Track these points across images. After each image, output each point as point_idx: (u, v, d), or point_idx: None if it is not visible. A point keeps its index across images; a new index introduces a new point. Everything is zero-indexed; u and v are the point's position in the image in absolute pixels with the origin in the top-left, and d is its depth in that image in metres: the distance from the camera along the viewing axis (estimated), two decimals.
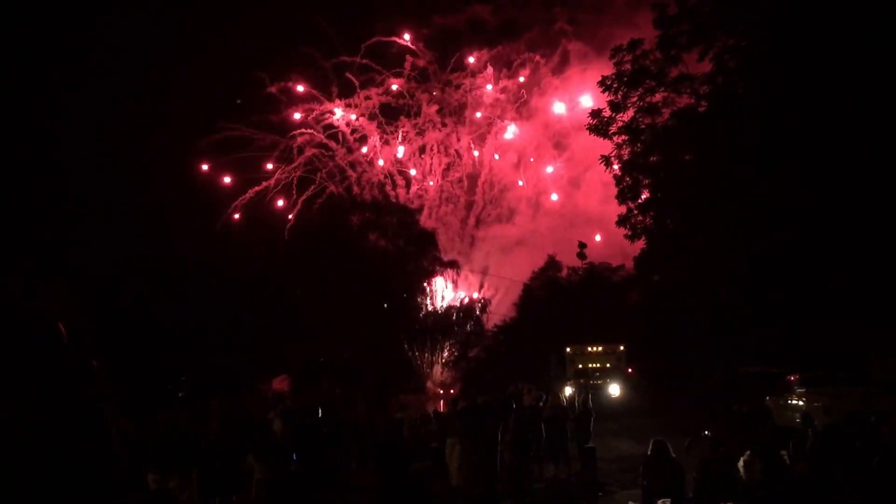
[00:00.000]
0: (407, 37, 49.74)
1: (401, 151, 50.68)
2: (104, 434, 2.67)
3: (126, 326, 25.61)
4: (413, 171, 50.63)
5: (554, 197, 49.92)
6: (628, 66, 21.55)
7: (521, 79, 51.12)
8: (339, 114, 49.42)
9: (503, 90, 51.16)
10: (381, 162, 50.08)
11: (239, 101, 46.68)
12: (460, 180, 50.65)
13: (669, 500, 9.12)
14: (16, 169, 30.09)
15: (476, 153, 50.94)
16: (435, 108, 50.67)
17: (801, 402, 15.15)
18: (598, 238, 40.15)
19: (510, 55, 51.25)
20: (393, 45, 49.88)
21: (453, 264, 43.26)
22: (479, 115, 51.13)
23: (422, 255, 41.62)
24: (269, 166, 48.50)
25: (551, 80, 50.60)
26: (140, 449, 8.75)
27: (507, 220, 50.59)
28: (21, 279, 2.75)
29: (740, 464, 9.95)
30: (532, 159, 51.58)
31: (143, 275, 30.29)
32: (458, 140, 50.78)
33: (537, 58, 50.53)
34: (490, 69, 50.93)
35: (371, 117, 50.11)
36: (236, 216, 46.88)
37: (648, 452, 9.42)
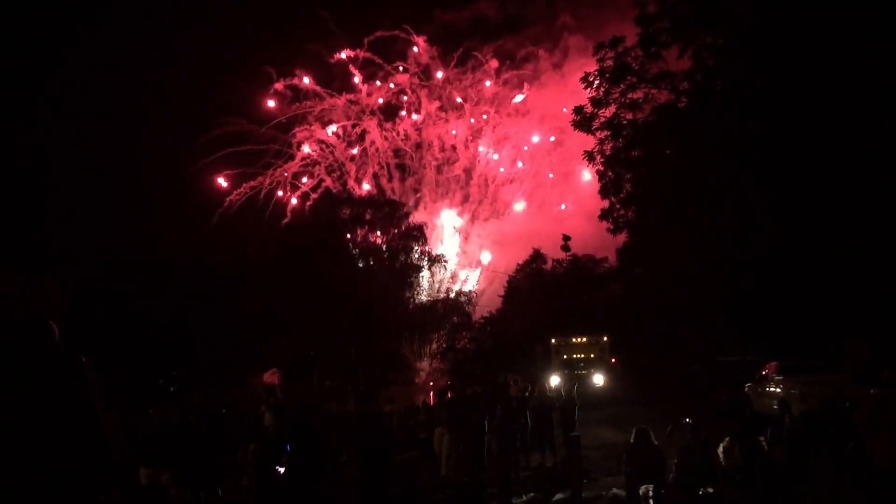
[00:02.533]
0: (410, 31, 49.60)
1: (399, 145, 50.60)
2: (96, 429, 2.71)
3: (117, 321, 25.48)
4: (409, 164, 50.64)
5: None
6: (610, 63, 21.82)
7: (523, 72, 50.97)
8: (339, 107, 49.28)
9: (505, 82, 51.15)
10: (378, 156, 50.05)
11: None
12: (458, 178, 50.74)
13: (651, 485, 9.39)
14: (6, 165, 29.68)
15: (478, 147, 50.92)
16: (436, 104, 50.57)
17: (778, 390, 15.48)
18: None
19: (512, 50, 51.17)
20: (396, 40, 49.74)
21: (439, 259, 43.45)
22: (478, 108, 51.05)
23: (410, 249, 41.75)
24: (267, 161, 48.44)
25: (552, 75, 50.58)
26: (132, 443, 8.83)
27: (501, 214, 50.90)
28: (12, 277, 2.76)
29: (720, 450, 10.25)
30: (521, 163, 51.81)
31: (134, 269, 30.06)
32: (456, 136, 50.78)
33: (540, 52, 50.49)
34: (492, 63, 50.77)
35: (371, 112, 50.02)
36: (231, 211, 46.76)
37: (631, 440, 9.64)
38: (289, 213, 47.40)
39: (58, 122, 35.53)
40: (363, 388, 26.02)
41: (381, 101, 50.11)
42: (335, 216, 41.60)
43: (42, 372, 2.57)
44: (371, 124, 49.92)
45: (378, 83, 49.91)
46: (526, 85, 51.14)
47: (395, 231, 41.58)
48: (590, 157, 22.82)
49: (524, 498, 10.60)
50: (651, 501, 9.30)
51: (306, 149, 49.30)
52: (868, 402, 7.40)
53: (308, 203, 47.32)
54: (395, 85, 50.12)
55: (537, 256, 40.72)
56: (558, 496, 10.52)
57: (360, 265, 39.80)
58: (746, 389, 17.23)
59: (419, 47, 49.97)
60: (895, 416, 6.81)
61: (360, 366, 32.22)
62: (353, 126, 50.00)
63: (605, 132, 22.32)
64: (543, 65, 50.79)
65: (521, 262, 41.56)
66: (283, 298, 33.96)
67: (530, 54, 51.00)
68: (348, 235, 40.94)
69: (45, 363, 2.59)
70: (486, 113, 51.24)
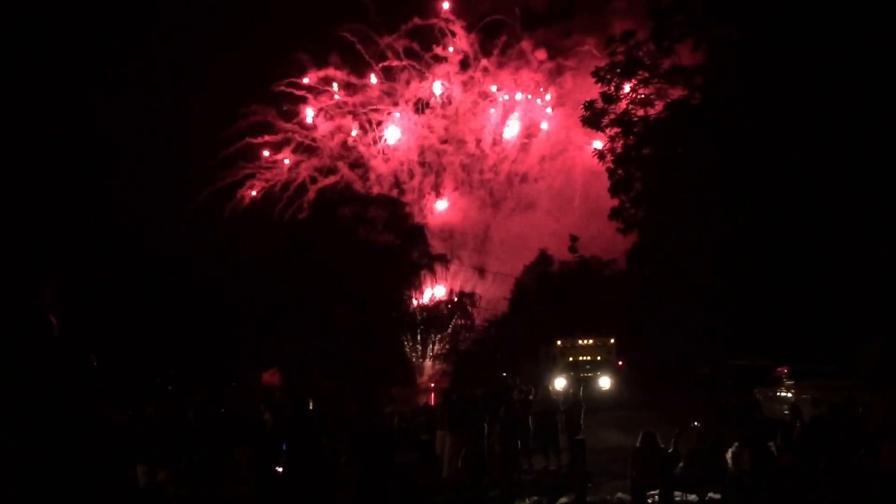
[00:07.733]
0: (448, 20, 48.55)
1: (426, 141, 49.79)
2: (95, 427, 2.66)
3: (115, 320, 25.46)
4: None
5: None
6: (621, 58, 21.61)
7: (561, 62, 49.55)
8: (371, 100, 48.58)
9: (548, 72, 49.79)
10: (403, 152, 49.27)
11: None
12: (484, 181, 49.84)
13: (658, 490, 9.18)
14: (12, 162, 29.69)
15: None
16: (471, 97, 49.55)
17: (789, 395, 15.24)
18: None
19: (553, 39, 49.73)
20: (433, 29, 48.50)
21: (442, 258, 43.19)
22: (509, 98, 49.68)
23: (411, 248, 41.58)
24: (288, 153, 48.09)
25: (593, 63, 48.99)
26: (129, 441, 8.74)
27: (524, 212, 49.90)
28: (15, 276, 2.78)
29: (728, 454, 10.01)
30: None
31: (133, 267, 30.08)
32: (485, 130, 49.76)
33: (586, 41, 49.16)
34: (538, 54, 49.36)
35: (406, 102, 49.27)
36: (243, 205, 46.32)
37: (638, 444, 9.45)
38: (305, 208, 46.73)
39: (68, 115, 35.49)
40: (364, 388, 25.90)
41: (415, 93, 49.07)
42: (337, 213, 41.44)
43: (42, 370, 2.54)
44: (402, 117, 49.04)
45: (413, 71, 48.89)
46: (567, 74, 49.64)
47: (395, 231, 41.41)
48: (600, 155, 22.66)
49: (527, 501, 10.40)
50: None
51: (328, 143, 48.64)
52: (877, 407, 7.14)
53: (323, 199, 46.51)
54: (431, 75, 49.17)
55: (544, 258, 40.53)
56: (562, 500, 10.32)
57: (362, 264, 39.59)
58: (756, 394, 16.98)
59: (456, 34, 48.82)
60: None
61: (360, 366, 32.09)
62: (378, 124, 49.33)
63: (616, 129, 22.13)
64: (587, 52, 48.78)
65: (527, 263, 41.40)
66: (284, 297, 33.90)
67: (576, 43, 49.27)
68: (350, 233, 40.72)
69: (45, 362, 2.57)
70: (521, 106, 49.94)
